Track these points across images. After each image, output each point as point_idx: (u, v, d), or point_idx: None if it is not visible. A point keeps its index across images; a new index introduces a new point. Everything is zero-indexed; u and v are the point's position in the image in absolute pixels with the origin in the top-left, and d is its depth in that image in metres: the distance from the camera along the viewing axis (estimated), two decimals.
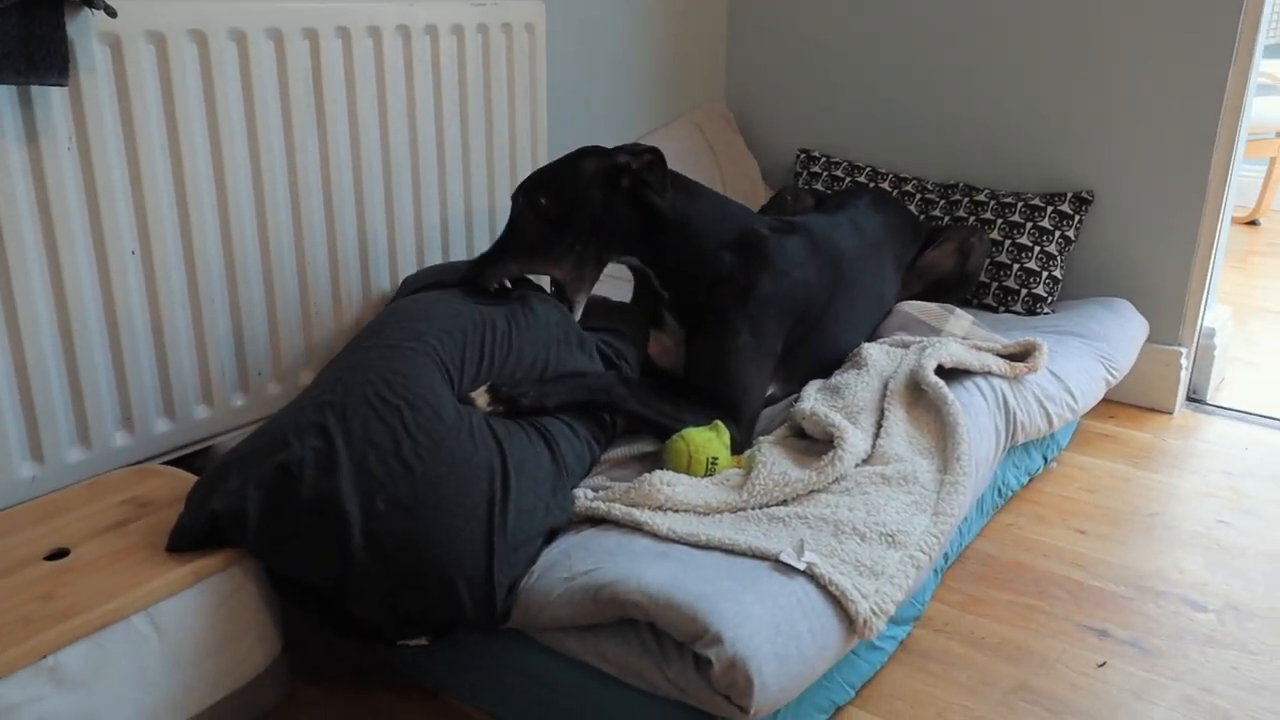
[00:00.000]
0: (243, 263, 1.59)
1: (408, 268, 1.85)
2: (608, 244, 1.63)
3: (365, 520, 1.21)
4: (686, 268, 1.68)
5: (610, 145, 2.44)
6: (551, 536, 1.34)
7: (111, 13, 1.32)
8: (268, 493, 1.23)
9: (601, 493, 1.41)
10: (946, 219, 2.41)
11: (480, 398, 1.40)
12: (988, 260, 2.29)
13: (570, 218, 1.59)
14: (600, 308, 1.76)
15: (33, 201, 1.35)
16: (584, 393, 1.49)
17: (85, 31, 1.34)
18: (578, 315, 1.62)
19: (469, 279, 1.58)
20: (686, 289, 1.69)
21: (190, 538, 1.24)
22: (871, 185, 2.52)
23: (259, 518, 1.23)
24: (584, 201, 1.59)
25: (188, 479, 1.41)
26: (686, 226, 1.67)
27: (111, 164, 1.41)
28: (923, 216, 2.44)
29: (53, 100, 1.34)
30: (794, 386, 1.78)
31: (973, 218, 2.37)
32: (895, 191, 2.50)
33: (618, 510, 1.36)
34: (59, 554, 1.25)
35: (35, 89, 1.31)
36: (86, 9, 1.32)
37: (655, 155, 1.61)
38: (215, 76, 1.50)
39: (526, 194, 1.61)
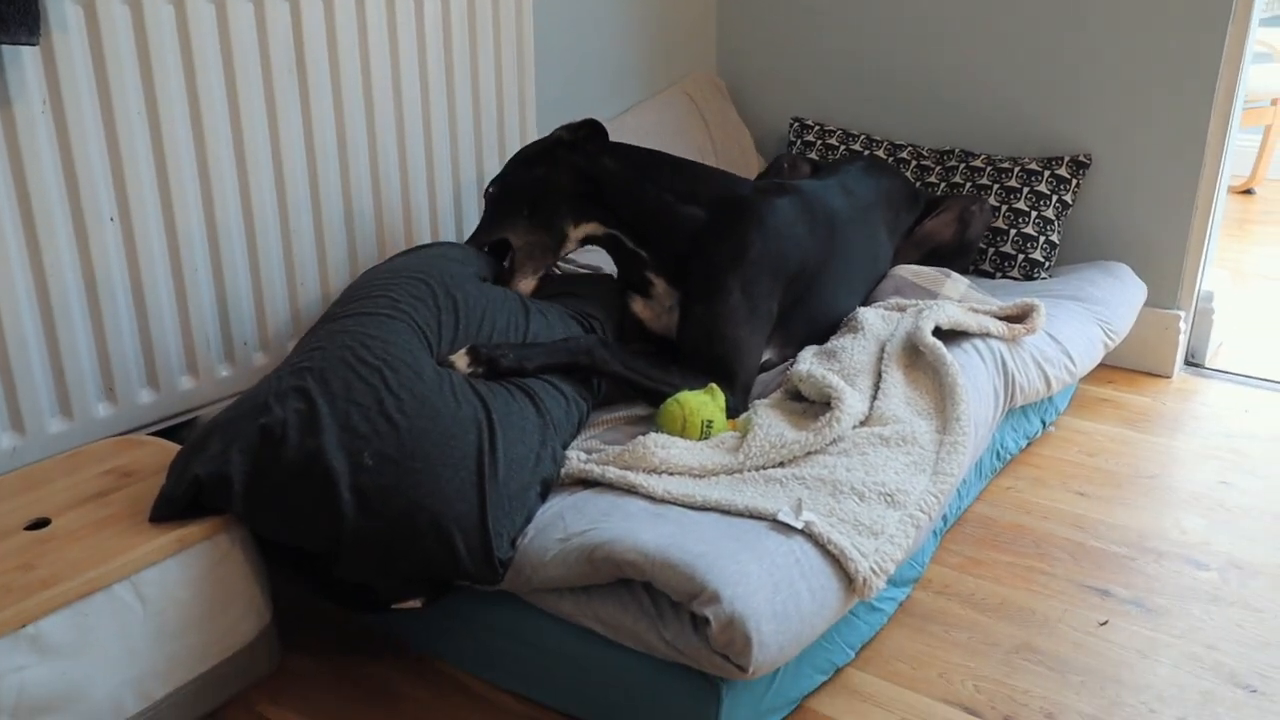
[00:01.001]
0: (225, 229, 1.56)
1: (394, 234, 1.82)
2: (557, 208, 1.69)
3: (353, 476, 1.19)
4: (653, 221, 1.69)
5: (600, 116, 2.42)
6: (545, 490, 1.31)
7: None
8: (251, 456, 1.21)
9: (595, 455, 1.39)
10: (943, 185, 2.38)
11: (460, 360, 1.39)
12: (987, 229, 2.26)
13: (515, 192, 1.70)
14: (567, 277, 1.80)
15: (6, 166, 1.31)
16: (565, 355, 1.47)
17: None
18: (524, 285, 1.66)
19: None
20: (663, 243, 1.68)
21: (174, 507, 1.21)
22: (867, 153, 2.49)
23: (244, 481, 1.20)
24: (527, 177, 1.71)
25: (172, 449, 1.38)
26: (638, 179, 1.71)
27: (87, 127, 1.38)
28: (919, 183, 2.41)
29: (24, 60, 1.30)
30: (789, 351, 1.76)
31: (969, 184, 2.34)
32: (891, 159, 2.47)
33: (612, 473, 1.33)
34: (40, 524, 1.22)
35: (5, 49, 1.28)
36: None
37: (589, 126, 1.71)
38: (193, 37, 1.46)
39: (487, 188, 1.75)
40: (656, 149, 1.79)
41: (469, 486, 1.21)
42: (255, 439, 1.22)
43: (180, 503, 1.21)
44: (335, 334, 1.35)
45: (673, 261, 1.68)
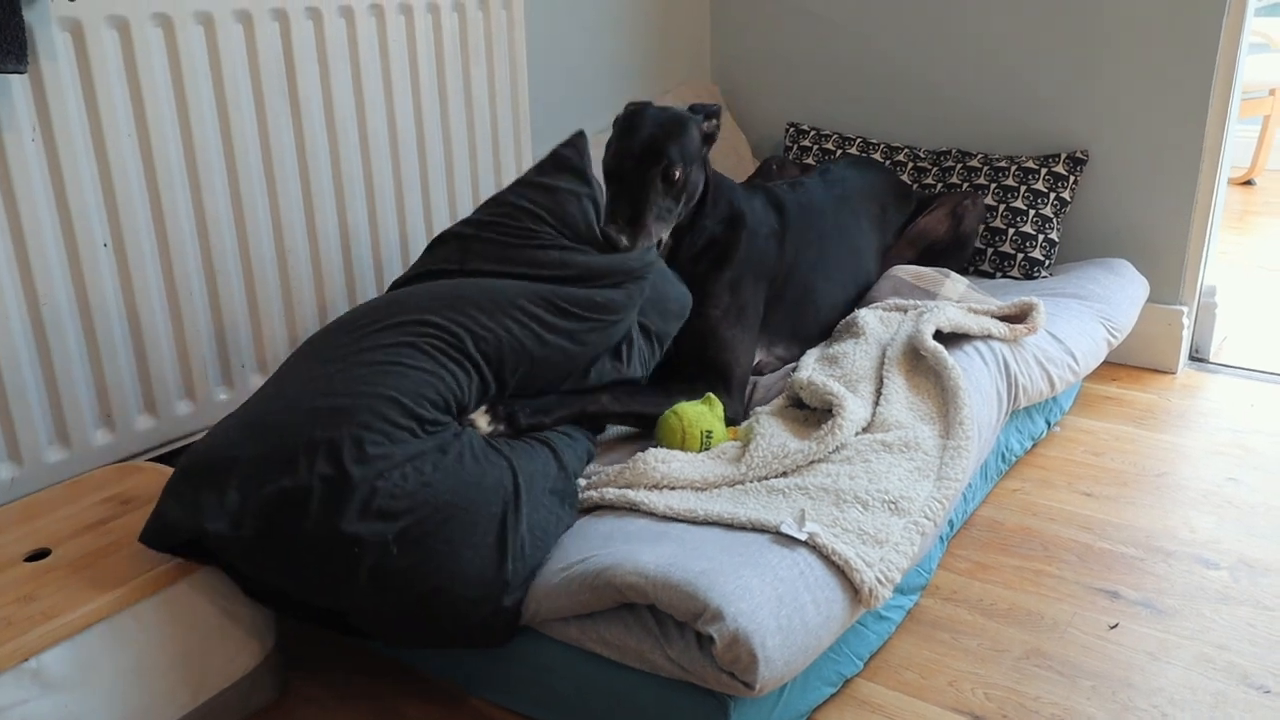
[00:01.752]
0: (220, 252, 1.56)
1: (390, 252, 1.81)
2: (684, 210, 1.63)
3: (375, 559, 1.14)
4: (694, 236, 1.68)
5: (597, 128, 2.42)
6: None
7: None
8: (268, 522, 1.15)
9: (593, 478, 1.38)
10: (940, 186, 2.37)
11: (480, 419, 1.34)
12: (983, 225, 2.25)
13: (687, 187, 1.60)
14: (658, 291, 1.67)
15: None
16: (576, 405, 1.43)
17: (44, 18, 1.30)
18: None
19: (614, 242, 1.49)
20: (680, 255, 1.68)
21: (168, 540, 1.16)
22: (855, 152, 2.48)
23: (254, 544, 1.15)
24: (694, 170, 1.61)
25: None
26: (718, 191, 1.68)
27: (78, 154, 1.37)
28: (916, 185, 2.40)
29: (13, 89, 1.30)
30: (779, 349, 1.77)
31: (966, 184, 2.33)
32: (887, 161, 2.46)
33: (611, 493, 1.32)
34: (40, 555, 1.21)
35: None
36: None
37: (719, 118, 1.64)
38: (183, 62, 1.45)
39: (658, 162, 1.55)
40: None
41: (491, 567, 1.17)
42: (275, 503, 1.15)
43: (177, 540, 1.16)
44: (367, 366, 1.25)
45: (678, 269, 1.67)
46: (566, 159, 1.55)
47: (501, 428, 1.35)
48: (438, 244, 1.51)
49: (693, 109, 1.65)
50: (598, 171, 1.59)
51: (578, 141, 1.57)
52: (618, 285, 1.46)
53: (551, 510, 1.27)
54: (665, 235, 1.60)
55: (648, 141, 1.56)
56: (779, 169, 2.25)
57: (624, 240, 1.49)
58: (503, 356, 1.35)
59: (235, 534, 1.14)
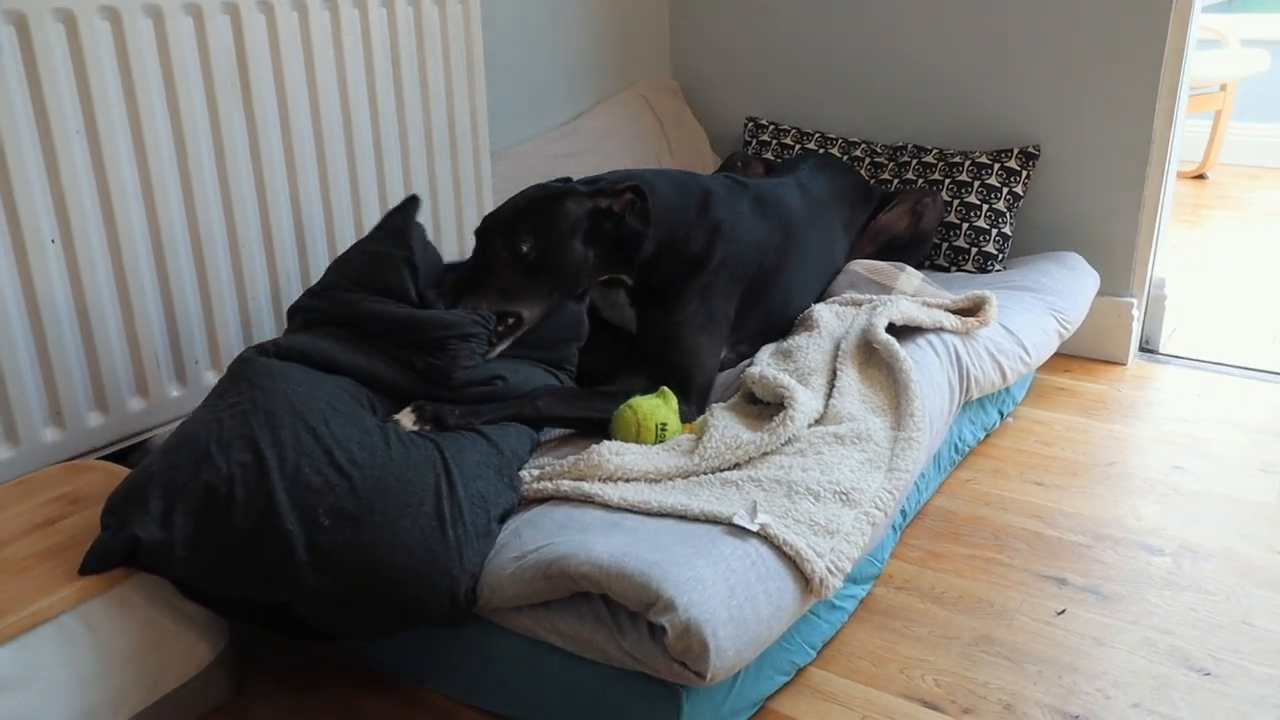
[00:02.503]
0: (171, 248, 1.54)
1: (347, 245, 1.80)
2: (577, 284, 1.56)
3: (309, 537, 1.14)
4: (663, 262, 1.63)
5: (554, 121, 2.42)
6: (504, 519, 1.30)
7: None
8: (195, 519, 1.14)
9: (547, 468, 1.38)
10: (896, 181, 2.40)
11: (405, 418, 1.33)
12: (941, 221, 2.28)
13: (549, 264, 1.50)
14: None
15: None
16: (510, 410, 1.42)
17: None
18: (496, 351, 1.48)
19: (427, 303, 1.44)
20: (652, 277, 1.65)
21: (107, 563, 1.15)
22: (819, 150, 2.50)
23: (188, 545, 1.14)
24: (566, 250, 1.51)
25: (121, 473, 1.36)
26: (666, 240, 1.61)
27: (25, 149, 1.35)
28: (873, 180, 2.43)
29: None
30: (743, 349, 1.77)
31: (921, 179, 2.36)
32: (845, 156, 2.48)
33: (566, 485, 1.33)
34: None
35: None
36: None
37: (636, 193, 1.55)
38: (131, 56, 1.44)
39: (506, 235, 1.49)
40: (663, 171, 1.71)
41: (431, 534, 1.17)
42: (199, 498, 1.15)
43: (114, 560, 1.14)
44: (275, 375, 1.28)
45: (647, 283, 1.65)
46: (391, 222, 1.52)
47: (428, 428, 1.33)
48: (290, 317, 1.49)
49: (599, 189, 1.56)
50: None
51: (407, 206, 1.53)
52: (441, 345, 1.39)
53: (489, 482, 1.27)
54: (527, 312, 1.49)
55: (499, 215, 1.53)
56: (744, 166, 2.26)
57: (440, 305, 1.43)
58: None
59: (167, 536, 1.13)
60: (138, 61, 1.45)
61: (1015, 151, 2.30)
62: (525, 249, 1.47)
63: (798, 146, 2.55)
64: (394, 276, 1.44)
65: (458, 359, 1.39)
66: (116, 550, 1.14)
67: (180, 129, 1.52)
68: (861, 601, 1.48)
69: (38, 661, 1.10)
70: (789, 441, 1.43)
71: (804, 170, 2.08)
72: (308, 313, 1.44)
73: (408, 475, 1.21)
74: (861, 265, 2.00)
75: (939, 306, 1.82)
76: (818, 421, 1.50)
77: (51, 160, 1.39)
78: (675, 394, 1.53)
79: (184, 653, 1.24)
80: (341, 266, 1.48)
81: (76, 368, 1.46)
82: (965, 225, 2.28)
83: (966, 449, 1.90)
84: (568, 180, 1.61)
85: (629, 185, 1.55)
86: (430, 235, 1.75)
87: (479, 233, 1.53)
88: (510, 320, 1.49)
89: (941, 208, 2.25)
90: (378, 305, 1.41)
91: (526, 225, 1.49)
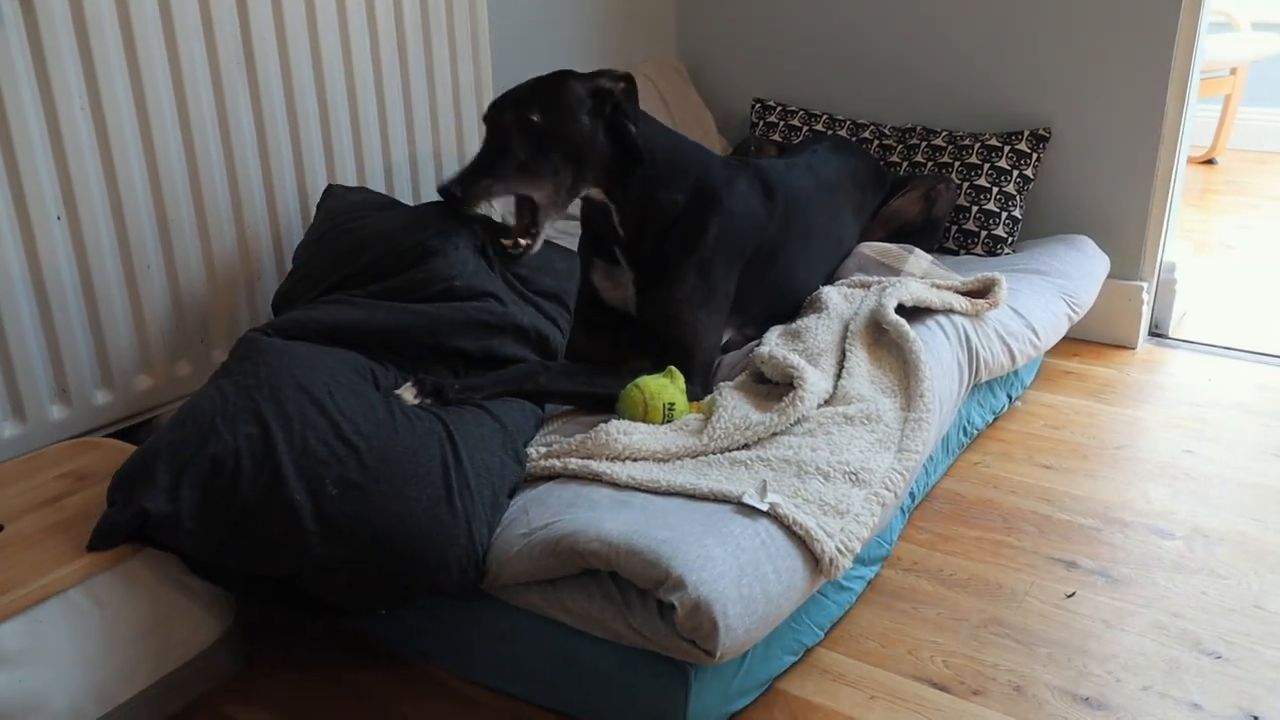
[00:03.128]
0: (177, 224, 1.53)
1: None
2: (584, 171, 1.56)
3: (317, 506, 1.13)
4: (647, 207, 1.63)
5: None
6: (512, 493, 1.30)
7: None
8: (203, 491, 1.14)
9: (554, 446, 1.38)
10: (904, 164, 2.38)
11: (406, 392, 1.33)
12: (953, 207, 2.26)
13: (558, 138, 1.52)
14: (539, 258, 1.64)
15: None
16: (511, 383, 1.42)
17: None
18: (539, 245, 1.53)
19: (451, 195, 1.46)
20: (644, 230, 1.65)
21: (114, 538, 1.14)
22: (831, 133, 2.49)
23: (196, 518, 1.14)
24: (573, 123, 1.53)
25: (128, 450, 1.35)
26: (654, 162, 1.63)
27: (29, 124, 1.34)
28: (881, 162, 2.41)
29: None
30: (749, 330, 1.76)
31: (930, 162, 2.34)
32: (853, 138, 2.46)
33: (574, 463, 1.32)
34: None
35: None
36: None
37: (630, 82, 1.57)
38: (136, 32, 1.43)
39: (515, 109, 1.51)
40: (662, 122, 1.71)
41: (438, 504, 1.17)
42: (206, 471, 1.15)
43: (122, 534, 1.14)
44: (277, 352, 1.28)
45: (641, 243, 1.66)
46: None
47: (428, 402, 1.34)
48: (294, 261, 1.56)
49: (599, 73, 1.59)
50: None
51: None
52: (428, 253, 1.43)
53: (494, 454, 1.27)
54: (539, 194, 1.50)
55: (508, 94, 1.55)
56: (757, 149, 2.24)
57: (457, 190, 1.46)
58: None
59: (175, 508, 1.13)
60: (141, 36, 1.43)
61: (1026, 134, 2.29)
62: (536, 119, 1.50)
63: (805, 129, 2.53)
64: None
65: (450, 261, 1.42)
66: (124, 524, 1.14)
67: (185, 104, 1.51)
68: (870, 583, 1.48)
69: (45, 636, 1.09)
70: (798, 422, 1.42)
71: (817, 152, 2.06)
72: (311, 248, 1.50)
73: (414, 447, 1.21)
74: (870, 248, 1.99)
75: (949, 288, 1.81)
76: (827, 402, 1.49)
77: (56, 136, 1.38)
78: (678, 371, 1.53)
79: (191, 629, 1.24)
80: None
81: (83, 345, 1.46)
82: (975, 208, 2.26)
83: (975, 432, 1.89)
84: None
85: (624, 73, 1.59)
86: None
87: (488, 115, 1.55)
88: (527, 210, 1.51)
89: (954, 193, 2.23)
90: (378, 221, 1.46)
91: (535, 99, 1.52)
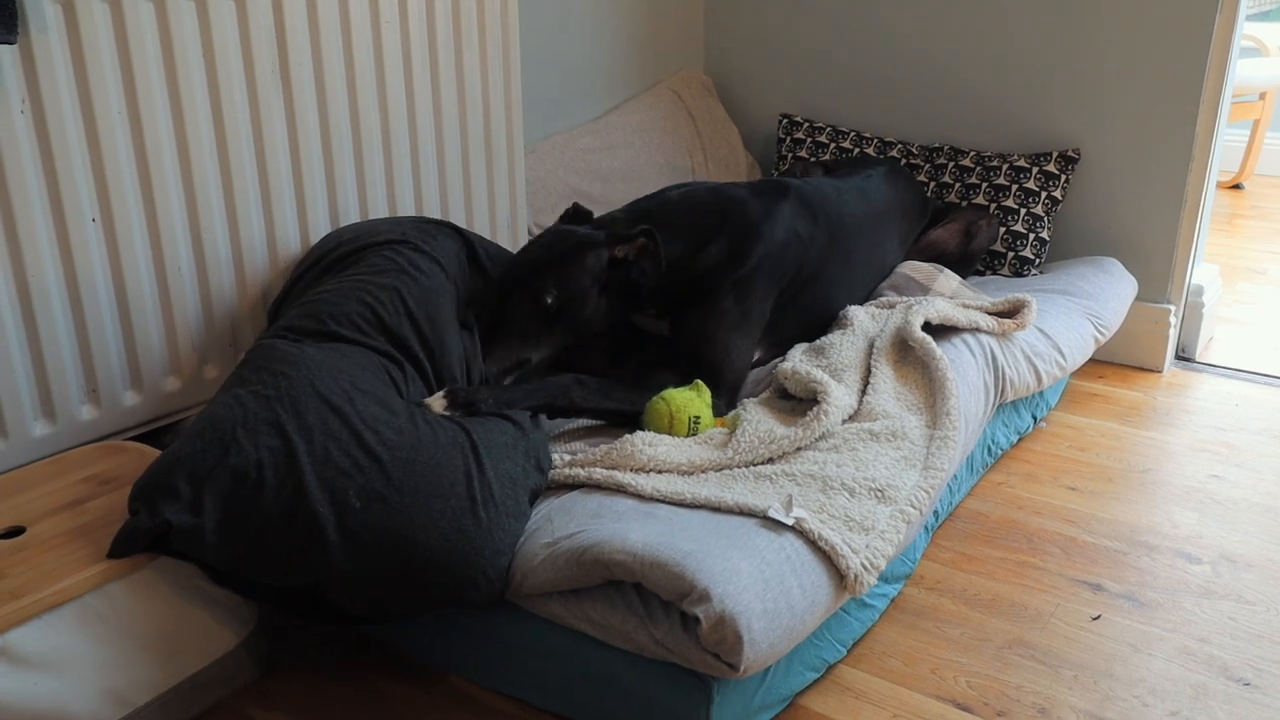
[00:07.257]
0: (209, 229, 1.55)
1: None
2: (593, 330, 1.59)
3: (340, 518, 1.13)
4: (682, 285, 1.63)
5: (587, 115, 2.41)
6: (534, 499, 1.30)
7: None
8: (225, 502, 1.14)
9: (579, 455, 1.38)
10: (932, 184, 2.38)
11: (436, 402, 1.33)
12: (993, 243, 2.24)
13: (568, 315, 1.53)
14: None
15: None
16: (543, 397, 1.43)
17: None
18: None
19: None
20: (676, 288, 1.64)
21: (135, 546, 1.14)
22: (882, 156, 2.47)
23: (219, 531, 1.13)
24: (586, 301, 1.54)
25: (153, 455, 1.36)
26: (680, 267, 1.61)
27: (68, 127, 1.36)
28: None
29: (3, 61, 1.28)
30: (779, 351, 1.75)
31: (958, 182, 2.33)
32: (879, 156, 2.46)
33: (599, 473, 1.32)
34: (14, 532, 1.20)
35: None
36: None
37: (649, 237, 1.55)
38: (174, 38, 1.44)
39: (529, 285, 1.51)
40: (680, 191, 1.70)
41: (463, 514, 1.16)
42: (228, 483, 1.14)
43: (142, 544, 1.14)
44: (295, 361, 1.27)
45: (675, 296, 1.64)
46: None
47: (458, 414, 1.33)
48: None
49: (614, 235, 1.57)
50: None
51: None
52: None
53: (517, 463, 1.27)
54: (537, 356, 1.52)
55: (522, 266, 1.54)
56: (802, 173, 2.23)
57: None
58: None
59: (198, 521, 1.13)
60: (180, 46, 1.45)
61: (1054, 155, 2.28)
62: (550, 301, 1.50)
63: (832, 145, 2.53)
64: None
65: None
66: (146, 534, 1.13)
67: (220, 114, 1.52)
68: (893, 601, 1.47)
69: (62, 640, 1.10)
70: (823, 437, 1.42)
71: (871, 177, 2.04)
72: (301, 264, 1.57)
73: (437, 456, 1.20)
74: (902, 266, 1.98)
75: (976, 308, 1.80)
76: (852, 418, 1.48)
77: (94, 139, 1.39)
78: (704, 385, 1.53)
79: (210, 634, 1.24)
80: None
81: (114, 346, 1.47)
82: (1002, 230, 2.25)
83: (999, 452, 1.88)
84: (585, 213, 1.67)
85: (642, 230, 1.55)
86: (464, 225, 1.75)
87: (501, 283, 1.55)
88: (522, 368, 1.52)
89: (995, 229, 2.20)
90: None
91: (550, 278, 1.51)
